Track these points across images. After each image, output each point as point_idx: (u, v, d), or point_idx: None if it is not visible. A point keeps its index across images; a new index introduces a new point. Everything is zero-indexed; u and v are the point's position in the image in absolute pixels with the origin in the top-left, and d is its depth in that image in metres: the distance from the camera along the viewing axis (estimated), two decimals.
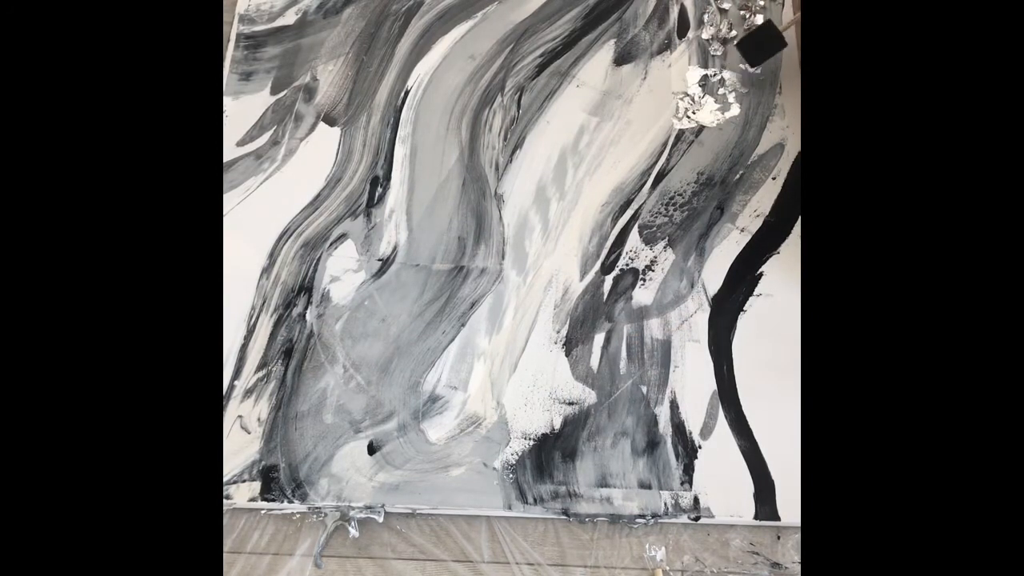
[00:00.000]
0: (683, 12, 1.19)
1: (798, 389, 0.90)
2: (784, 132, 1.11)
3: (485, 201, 1.06)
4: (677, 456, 0.93)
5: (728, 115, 1.12)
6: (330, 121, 1.12)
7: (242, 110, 1.12)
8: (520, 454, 0.93)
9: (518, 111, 1.12)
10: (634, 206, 1.06)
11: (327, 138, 1.10)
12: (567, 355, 0.98)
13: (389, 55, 1.16)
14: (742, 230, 1.05)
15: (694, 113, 1.12)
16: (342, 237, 1.04)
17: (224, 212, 1.05)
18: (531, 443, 0.93)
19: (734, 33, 1.17)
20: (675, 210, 1.06)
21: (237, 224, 1.04)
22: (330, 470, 0.92)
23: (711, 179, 1.08)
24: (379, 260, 1.03)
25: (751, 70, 1.13)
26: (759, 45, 1.06)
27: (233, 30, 1.18)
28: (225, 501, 0.90)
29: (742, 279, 1.02)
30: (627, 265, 1.03)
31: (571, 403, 0.95)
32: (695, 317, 1.00)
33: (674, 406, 0.95)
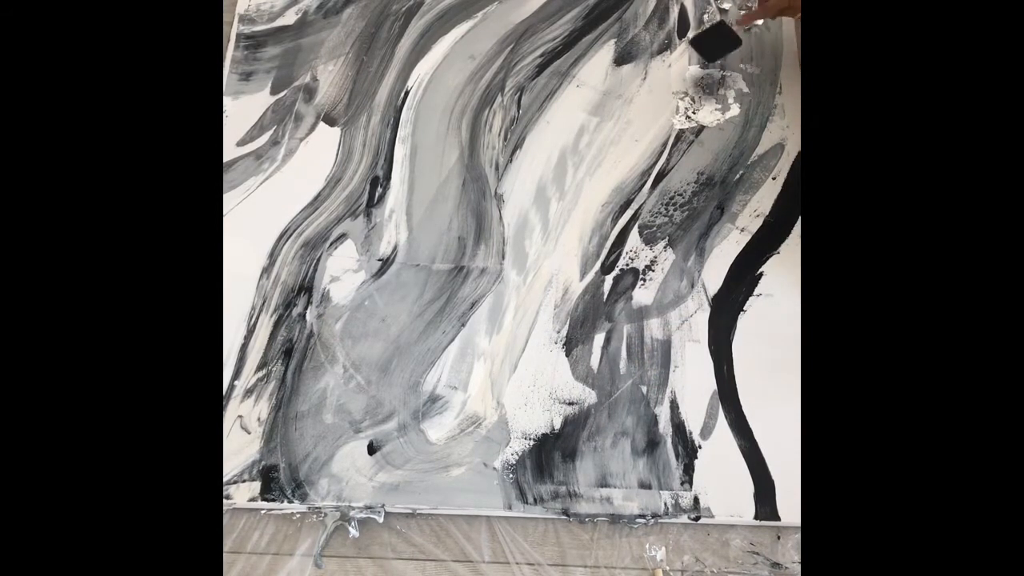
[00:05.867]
0: (683, 12, 1.19)
1: (798, 389, 0.90)
2: (784, 132, 1.11)
3: (485, 201, 1.06)
4: (677, 456, 0.93)
5: (728, 115, 1.12)
6: (330, 121, 1.12)
7: (242, 110, 1.12)
8: (520, 454, 0.93)
9: (518, 111, 1.12)
10: (634, 206, 1.06)
11: (327, 138, 1.10)
12: (567, 355, 0.98)
13: (389, 55, 1.16)
14: (742, 230, 1.04)
15: (694, 113, 1.12)
16: (342, 237, 1.04)
17: (224, 212, 1.05)
18: (531, 443, 0.93)
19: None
20: (675, 210, 1.06)
21: (237, 224, 1.04)
22: (330, 470, 0.92)
23: (711, 179, 1.08)
24: (379, 260, 1.03)
25: (707, 66, 1.14)
26: (714, 43, 1.09)
27: (233, 30, 1.18)
28: (225, 501, 0.90)
29: (742, 279, 1.02)
30: (627, 265, 1.03)
31: (571, 403, 0.95)
32: (695, 317, 1.00)
33: (674, 406, 0.95)
